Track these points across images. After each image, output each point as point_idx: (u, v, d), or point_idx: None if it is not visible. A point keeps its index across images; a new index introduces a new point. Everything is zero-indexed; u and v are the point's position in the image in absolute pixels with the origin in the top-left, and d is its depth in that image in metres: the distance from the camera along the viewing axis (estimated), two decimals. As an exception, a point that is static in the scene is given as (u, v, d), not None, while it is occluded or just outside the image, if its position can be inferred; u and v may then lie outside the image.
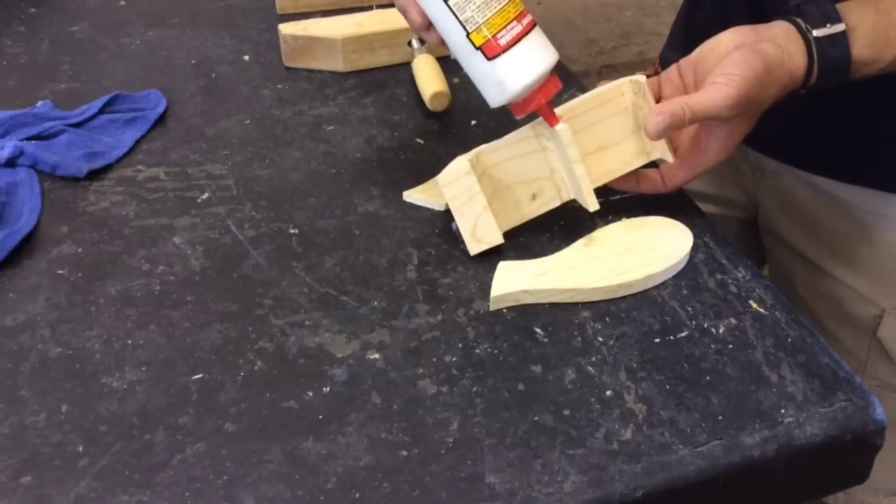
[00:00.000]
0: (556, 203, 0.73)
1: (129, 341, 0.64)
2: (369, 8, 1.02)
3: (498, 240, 0.71)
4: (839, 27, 0.66)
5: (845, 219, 0.84)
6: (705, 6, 0.90)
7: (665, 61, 0.99)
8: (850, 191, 0.83)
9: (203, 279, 0.69)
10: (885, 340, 0.85)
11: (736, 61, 0.66)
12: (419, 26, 0.69)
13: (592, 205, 0.71)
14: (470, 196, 0.70)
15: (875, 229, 0.83)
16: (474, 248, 0.70)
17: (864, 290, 0.85)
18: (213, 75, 0.94)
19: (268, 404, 0.60)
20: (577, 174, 0.70)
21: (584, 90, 0.91)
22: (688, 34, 0.94)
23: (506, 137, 0.72)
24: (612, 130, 0.73)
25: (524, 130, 0.72)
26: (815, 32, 0.66)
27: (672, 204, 0.76)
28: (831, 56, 0.66)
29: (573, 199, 0.73)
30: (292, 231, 0.74)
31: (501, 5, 0.66)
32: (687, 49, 0.90)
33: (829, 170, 0.84)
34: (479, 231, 0.70)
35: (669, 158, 0.72)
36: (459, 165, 0.70)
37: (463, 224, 0.70)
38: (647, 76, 0.99)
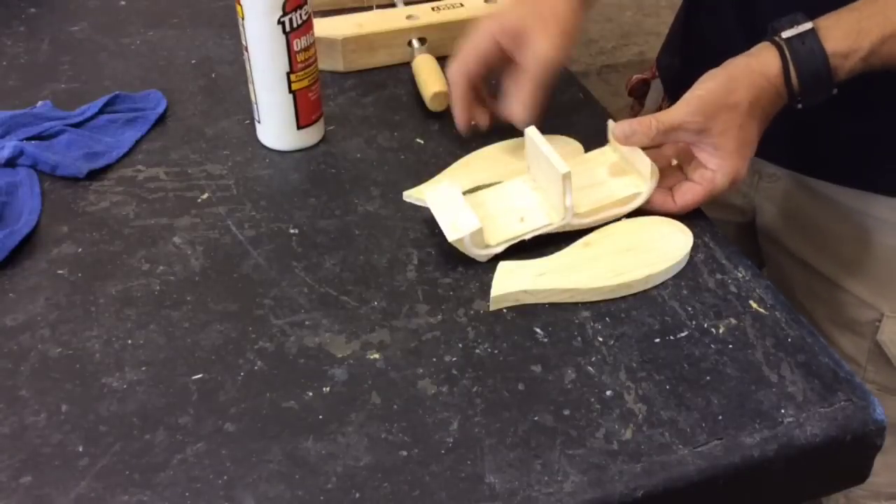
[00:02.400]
0: (545, 222, 0.71)
1: (129, 341, 0.64)
2: (369, 8, 1.02)
3: (475, 225, 0.68)
4: (806, 26, 0.68)
5: (843, 222, 0.84)
6: (701, 11, 0.90)
7: (662, 66, 0.99)
8: (848, 194, 0.83)
9: (203, 279, 0.69)
10: (884, 344, 0.85)
11: (699, 79, 0.70)
12: None
13: (562, 167, 0.69)
14: (449, 195, 0.71)
15: (873, 233, 0.83)
16: (452, 234, 0.69)
17: (863, 295, 0.85)
18: (213, 75, 0.94)
19: (268, 404, 0.60)
20: (533, 139, 0.72)
21: (584, 90, 0.91)
22: (685, 39, 0.94)
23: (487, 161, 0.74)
24: (599, 172, 0.74)
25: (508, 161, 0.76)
26: (783, 34, 0.68)
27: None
28: (805, 52, 0.67)
29: (562, 225, 0.72)
30: (292, 231, 0.74)
31: None
32: (684, 53, 0.90)
33: (827, 173, 0.84)
34: (459, 222, 0.70)
35: (649, 175, 0.72)
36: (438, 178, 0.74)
37: (442, 219, 0.70)
38: (645, 80, 0.99)
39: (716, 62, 0.69)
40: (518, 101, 0.73)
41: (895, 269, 0.83)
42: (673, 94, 0.95)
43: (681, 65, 0.94)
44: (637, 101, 1.07)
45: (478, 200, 0.74)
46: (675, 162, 0.74)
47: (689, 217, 0.74)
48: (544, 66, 0.73)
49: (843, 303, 0.87)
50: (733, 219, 0.97)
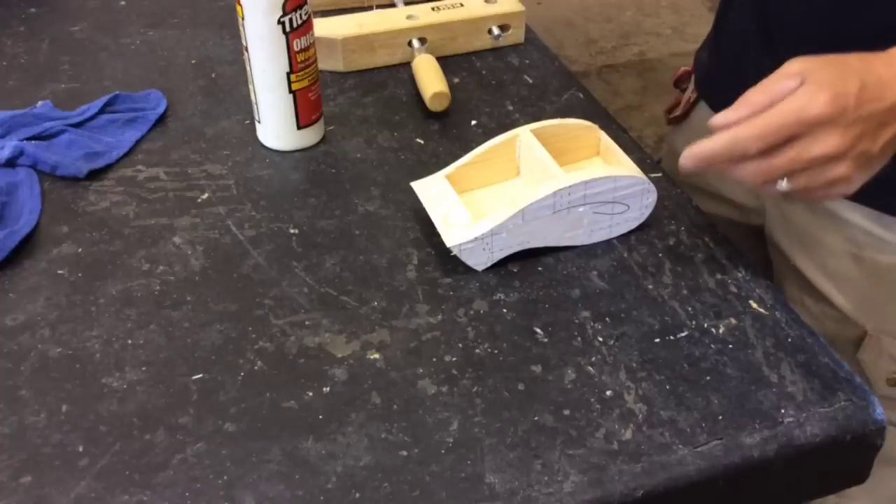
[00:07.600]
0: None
1: (129, 341, 0.64)
2: (369, 8, 1.02)
3: (467, 220, 0.69)
4: None
5: (837, 234, 0.83)
6: (731, 6, 0.90)
7: (699, 60, 0.98)
8: (845, 207, 0.82)
9: (203, 279, 0.69)
10: (864, 363, 0.84)
11: None
12: None
13: (555, 170, 0.70)
14: (441, 193, 0.72)
15: (865, 248, 0.81)
16: (443, 227, 0.69)
17: (848, 310, 0.83)
18: (213, 75, 0.94)
19: (268, 404, 0.60)
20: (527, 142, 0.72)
21: (584, 90, 0.91)
22: (716, 32, 0.93)
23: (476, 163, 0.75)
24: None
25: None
26: None
27: (672, 203, 0.76)
28: None
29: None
30: (292, 231, 0.74)
31: None
32: (713, 47, 0.88)
33: None
34: (452, 217, 0.70)
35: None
36: (433, 176, 0.74)
37: (435, 215, 0.70)
38: (689, 72, 0.99)
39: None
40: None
41: (881, 286, 0.82)
42: (700, 86, 0.95)
43: (708, 59, 0.94)
44: (683, 93, 1.06)
45: (471, 198, 0.74)
46: None
47: (688, 216, 0.74)
48: None
49: (828, 317, 0.85)
50: (745, 220, 0.96)
